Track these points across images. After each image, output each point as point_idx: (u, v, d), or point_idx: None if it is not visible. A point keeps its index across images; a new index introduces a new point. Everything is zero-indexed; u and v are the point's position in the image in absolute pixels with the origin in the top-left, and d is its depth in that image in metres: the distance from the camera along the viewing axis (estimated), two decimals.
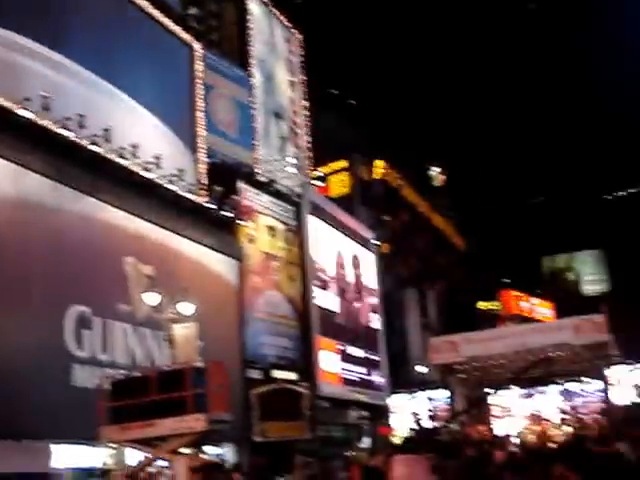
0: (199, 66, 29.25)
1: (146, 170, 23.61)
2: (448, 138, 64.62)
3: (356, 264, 37.23)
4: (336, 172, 49.08)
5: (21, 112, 19.40)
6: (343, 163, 49.27)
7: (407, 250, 51.14)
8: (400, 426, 34.75)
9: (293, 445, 24.68)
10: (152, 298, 19.39)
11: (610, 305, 30.11)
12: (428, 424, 34.30)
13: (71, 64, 22.41)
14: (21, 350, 17.58)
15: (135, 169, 23.18)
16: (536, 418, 31.91)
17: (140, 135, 24.18)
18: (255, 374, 26.52)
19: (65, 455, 18.40)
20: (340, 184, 48.63)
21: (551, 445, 18.03)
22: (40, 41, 21.31)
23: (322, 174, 44.89)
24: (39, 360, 18.02)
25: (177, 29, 28.52)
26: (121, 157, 22.68)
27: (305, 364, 29.82)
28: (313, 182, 37.50)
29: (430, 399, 37.53)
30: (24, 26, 20.76)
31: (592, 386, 31.56)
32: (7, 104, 19.11)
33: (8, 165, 18.65)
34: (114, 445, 16.03)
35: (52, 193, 19.94)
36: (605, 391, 30.21)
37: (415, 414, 36.13)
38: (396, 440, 30.55)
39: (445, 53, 62.20)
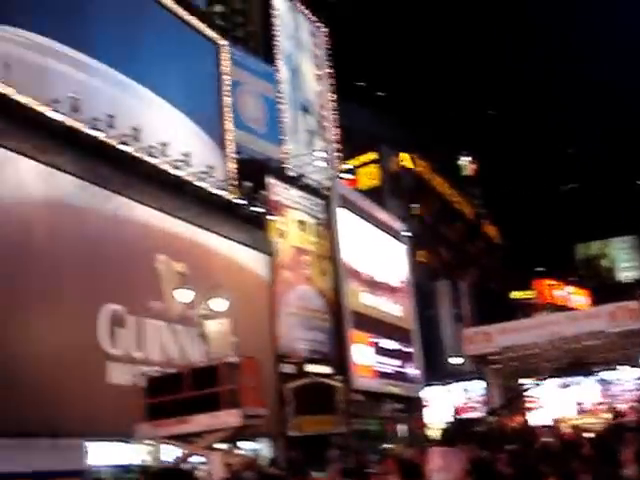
0: (226, 63, 29.30)
1: (176, 168, 23.74)
2: (479, 127, 64.24)
3: (387, 256, 37.15)
4: (365, 164, 49.04)
5: (51, 114, 19.57)
6: (372, 155, 49.20)
7: (438, 240, 50.96)
8: (435, 418, 34.66)
9: (328, 439, 24.75)
10: (185, 295, 19.54)
11: None
12: (464, 416, 34.21)
13: (99, 65, 22.58)
14: (56, 349, 17.76)
15: (165, 167, 23.33)
16: (573, 408, 31.68)
17: (169, 133, 24.29)
18: (288, 369, 26.56)
19: (101, 452, 18.57)
20: (369, 176, 48.59)
21: (588, 435, 17.85)
22: (68, 43, 21.47)
23: (351, 167, 44.75)
24: (74, 359, 18.21)
25: (203, 27, 28.58)
26: (151, 156, 22.81)
27: (338, 358, 29.82)
28: (342, 175, 37.42)
29: (465, 390, 37.42)
30: (52, 29, 20.92)
31: (628, 374, 31.23)
32: (37, 106, 19.28)
33: (39, 166, 18.83)
34: (150, 442, 16.13)
35: (83, 193, 20.11)
36: None
37: (450, 405, 36.05)
38: (432, 432, 30.50)
39: (474, 42, 61.77)
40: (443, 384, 38.50)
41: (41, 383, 16.89)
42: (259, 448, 24.12)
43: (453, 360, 42.18)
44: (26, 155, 18.48)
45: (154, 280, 21.97)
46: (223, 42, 29.58)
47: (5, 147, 17.94)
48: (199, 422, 14.81)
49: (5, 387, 16.05)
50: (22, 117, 18.68)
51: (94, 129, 20.85)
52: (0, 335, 16.48)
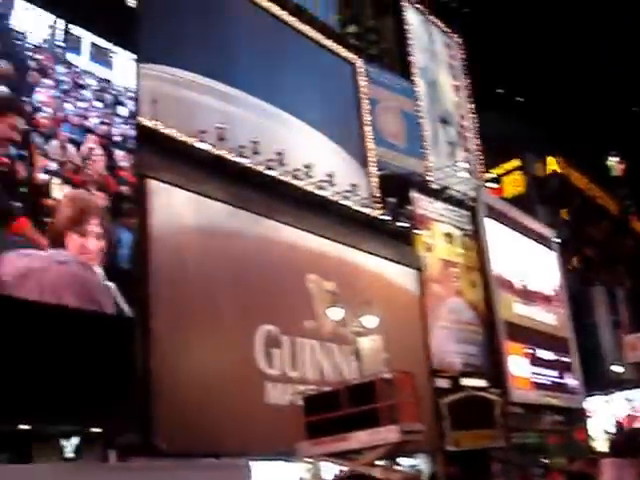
0: (362, 81, 29.57)
1: (320, 188, 24.14)
2: (625, 125, 61.71)
3: (538, 264, 36.24)
4: (509, 172, 48.05)
5: (198, 145, 20.33)
6: (516, 162, 48.17)
7: (585, 242, 49.27)
8: (597, 429, 33.38)
9: (487, 453, 24.29)
10: (336, 313, 19.71)
11: None
12: (630, 426, 32.80)
13: (240, 94, 23.31)
14: (217, 370, 18.33)
15: (310, 188, 23.74)
16: None
17: (312, 155, 24.73)
18: (443, 383, 26.28)
19: (262, 471, 18.89)
20: (514, 184, 47.56)
21: None
22: (212, 76, 22.33)
23: (495, 175, 44.05)
24: (234, 379, 18.72)
25: (338, 48, 29.00)
26: (295, 178, 23.27)
27: (494, 370, 29.25)
28: (486, 184, 36.88)
29: (628, 400, 35.86)
30: (196, 64, 21.79)
31: None
32: (185, 138, 20.08)
33: (189, 195, 19.54)
34: (310, 460, 16.30)
35: (232, 218, 20.69)
36: None
37: (612, 416, 34.65)
38: (597, 444, 29.40)
39: (614, 39, 59.59)
40: (604, 394, 37.02)
41: (204, 404, 17.41)
42: (417, 464, 23.95)
43: (615, 368, 40.53)
44: (177, 185, 19.21)
45: (306, 300, 22.31)
46: (359, 61, 29.88)
47: (158, 179, 18.69)
48: (358, 439, 14.83)
49: (170, 408, 16.65)
50: (171, 150, 19.49)
51: (240, 156, 21.50)
52: (164, 357, 17.11)
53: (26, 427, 14.19)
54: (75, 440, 15.35)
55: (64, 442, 15.23)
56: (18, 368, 13.39)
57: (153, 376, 16.72)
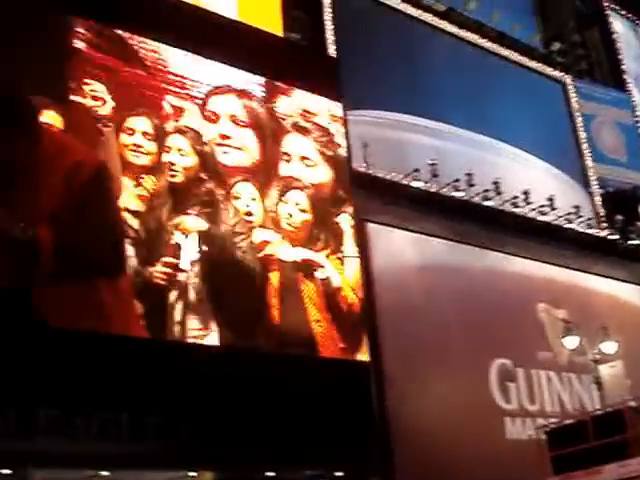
0: (574, 99, 28.61)
1: (542, 214, 23.42)
2: None
3: None
4: None
5: (413, 183, 20.46)
6: None
7: None
8: None
9: None
10: (571, 341, 18.94)
11: None
12: None
13: (450, 128, 23.29)
14: (453, 410, 18.07)
15: (531, 215, 23.12)
16: None
17: (528, 180, 24.10)
18: None
19: None
20: None
21: None
22: (417, 114, 22.48)
23: None
24: (472, 417, 18.39)
25: (544, 68, 28.32)
26: (515, 206, 22.76)
27: None
28: None
29: None
30: (401, 103, 22.07)
31: None
32: (399, 178, 20.28)
33: (409, 235, 19.68)
34: None
35: (453, 253, 20.60)
36: None
37: None
38: None
39: None
40: None
41: (442, 443, 17.34)
42: None
43: None
44: (395, 226, 19.43)
45: (538, 330, 21.66)
46: (568, 78, 28.98)
47: (376, 222, 18.99)
48: (610, 472, 14.06)
49: (409, 450, 16.72)
50: (387, 191, 19.76)
51: (455, 190, 21.37)
52: (399, 400, 17.17)
53: (272, 474, 14.71)
54: None
55: None
56: (263, 414, 14.05)
57: (390, 419, 16.82)
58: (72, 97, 13.96)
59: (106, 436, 12.42)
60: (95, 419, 12.36)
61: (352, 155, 18.81)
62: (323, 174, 17.69)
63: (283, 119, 17.43)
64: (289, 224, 16.59)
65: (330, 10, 20.99)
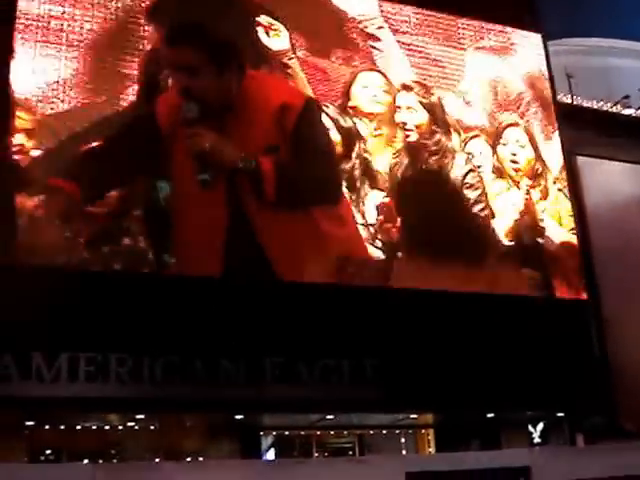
0: None
1: None
2: None
3: None
4: None
5: (624, 111, 19.50)
6: None
7: None
8: None
9: None
10: None
11: None
12: None
13: None
14: None
15: None
16: None
17: None
18: None
19: None
20: None
21: None
22: (626, 37, 21.29)
23: None
24: None
25: None
26: None
27: None
28: None
29: None
30: (608, 28, 20.94)
31: None
32: (608, 107, 19.36)
33: (623, 165, 18.74)
34: None
35: None
36: None
37: None
38: None
39: None
40: None
41: None
42: None
43: None
44: (608, 157, 18.52)
45: None
46: None
47: (586, 155, 18.22)
48: None
49: (631, 389, 16.12)
50: (595, 122, 18.78)
51: None
52: (618, 339, 16.58)
53: (492, 415, 14.80)
54: (541, 425, 15.84)
55: (531, 428, 15.68)
56: (482, 357, 13.94)
57: (610, 358, 16.31)
58: None
59: (329, 381, 12.73)
60: (317, 366, 12.71)
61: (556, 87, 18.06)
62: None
63: None
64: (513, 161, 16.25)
65: None
